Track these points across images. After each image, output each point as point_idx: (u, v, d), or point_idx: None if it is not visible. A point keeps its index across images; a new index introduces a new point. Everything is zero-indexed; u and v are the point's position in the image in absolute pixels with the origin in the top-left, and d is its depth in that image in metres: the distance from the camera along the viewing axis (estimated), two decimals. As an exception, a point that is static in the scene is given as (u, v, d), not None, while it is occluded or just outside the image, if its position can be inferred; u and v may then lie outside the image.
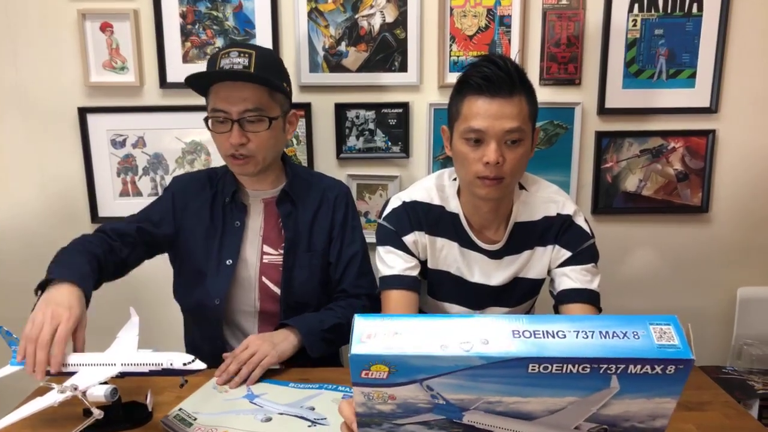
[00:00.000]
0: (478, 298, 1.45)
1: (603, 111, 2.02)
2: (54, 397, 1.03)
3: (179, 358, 1.05)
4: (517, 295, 1.46)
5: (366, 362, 0.64)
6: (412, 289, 1.40)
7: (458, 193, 1.43)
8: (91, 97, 2.02)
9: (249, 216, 1.53)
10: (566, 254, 1.38)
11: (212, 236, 1.51)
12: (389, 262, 1.42)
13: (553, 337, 0.61)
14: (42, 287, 1.20)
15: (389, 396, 0.66)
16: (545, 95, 2.00)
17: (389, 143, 2.04)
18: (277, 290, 1.52)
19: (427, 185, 1.45)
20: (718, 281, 2.13)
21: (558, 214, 1.39)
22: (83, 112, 2.01)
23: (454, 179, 1.44)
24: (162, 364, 1.06)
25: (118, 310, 1.35)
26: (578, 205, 1.44)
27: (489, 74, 1.23)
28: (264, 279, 1.52)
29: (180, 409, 1.20)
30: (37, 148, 2.05)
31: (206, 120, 1.45)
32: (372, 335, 0.63)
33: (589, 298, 1.34)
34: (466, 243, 1.42)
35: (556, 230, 1.39)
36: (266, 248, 1.53)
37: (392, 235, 1.42)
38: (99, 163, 2.05)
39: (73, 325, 1.09)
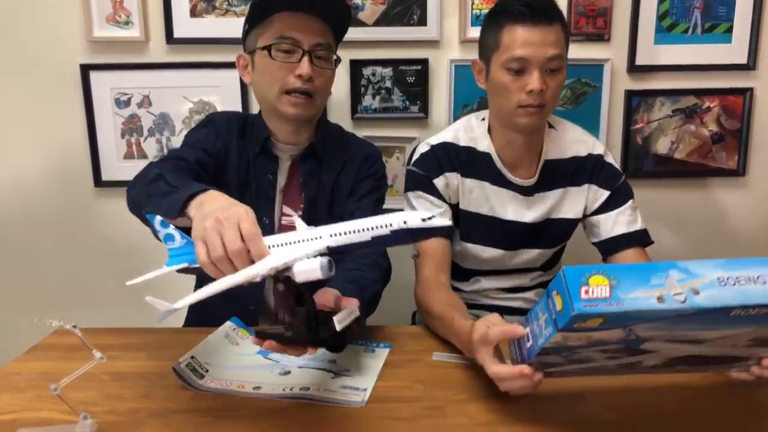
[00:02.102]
0: (511, 238, 1.41)
1: (633, 68, 1.91)
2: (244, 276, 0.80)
3: (414, 215, 0.78)
4: (551, 236, 1.44)
5: (585, 318, 0.68)
6: (447, 236, 1.35)
7: (489, 132, 1.40)
8: (93, 54, 1.92)
9: (280, 170, 1.42)
10: (604, 194, 1.39)
11: (246, 189, 1.38)
12: (419, 208, 1.37)
13: (754, 283, 0.67)
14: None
15: (587, 336, 0.72)
16: (572, 52, 1.86)
17: (407, 102, 1.94)
18: None
19: (455, 128, 1.43)
20: (755, 249, 2.02)
21: (589, 154, 1.41)
22: (86, 69, 1.91)
23: (482, 119, 1.41)
24: (391, 225, 0.78)
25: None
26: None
27: (530, 1, 1.22)
28: None
29: (192, 358, 1.09)
30: (37, 107, 1.95)
31: (266, 48, 1.29)
32: (588, 290, 0.67)
33: (639, 239, 1.37)
34: (499, 181, 1.39)
35: (590, 170, 1.40)
36: (285, 209, 1.42)
37: (422, 180, 1.38)
38: (102, 124, 1.95)
39: (255, 217, 0.84)
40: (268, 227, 1.36)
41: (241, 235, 0.81)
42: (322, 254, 0.81)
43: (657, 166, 1.99)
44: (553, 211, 1.42)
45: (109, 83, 1.92)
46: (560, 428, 0.88)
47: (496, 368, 0.88)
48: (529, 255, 1.45)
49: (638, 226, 1.39)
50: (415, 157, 1.41)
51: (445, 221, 0.77)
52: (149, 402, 1.00)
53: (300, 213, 1.39)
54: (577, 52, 1.89)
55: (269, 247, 0.83)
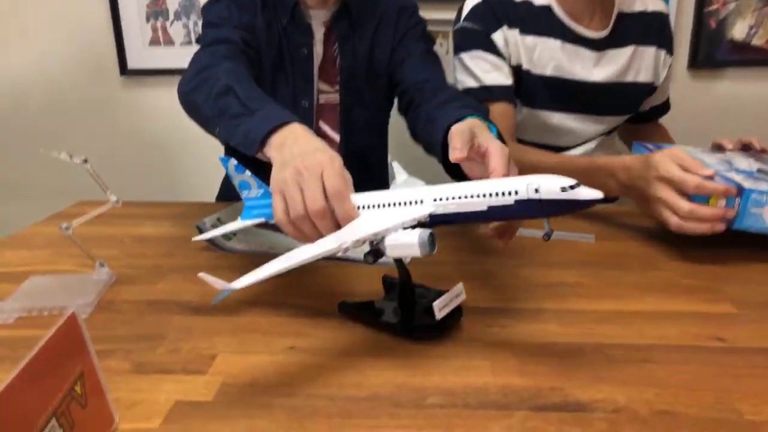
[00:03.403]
0: (579, 101, 1.25)
1: (712, -61, 1.69)
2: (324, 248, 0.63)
3: (549, 181, 0.58)
4: (623, 100, 1.29)
5: None
6: (511, 99, 1.20)
7: None
8: (115, -72, 1.78)
9: (315, 42, 1.26)
10: (669, 59, 1.31)
11: (280, 69, 1.21)
12: (477, 70, 1.20)
13: None
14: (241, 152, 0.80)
15: None
16: None
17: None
18: (336, 136, 1.28)
19: None
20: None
21: (655, 12, 1.29)
22: (107, -54, 1.78)
23: None
24: (516, 193, 0.59)
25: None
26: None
27: None
28: (321, 123, 1.28)
29: (218, 219, 1.00)
30: (59, -12, 1.84)
31: None
32: None
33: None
34: (564, 35, 1.22)
35: (657, 29, 1.28)
36: (322, 85, 1.27)
37: (478, 35, 1.20)
38: (126, 7, 1.83)
39: (342, 166, 0.70)
40: (307, 111, 1.23)
41: (325, 192, 0.67)
42: (422, 224, 0.65)
43: (732, 54, 1.78)
44: (626, 72, 1.26)
45: (132, -39, 1.80)
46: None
47: (688, 205, 0.83)
48: (600, 120, 1.29)
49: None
50: (466, 11, 1.23)
51: (596, 193, 0.57)
52: (171, 260, 0.91)
53: (337, 87, 1.26)
54: None
55: (358, 208, 0.68)
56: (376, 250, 0.64)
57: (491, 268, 0.86)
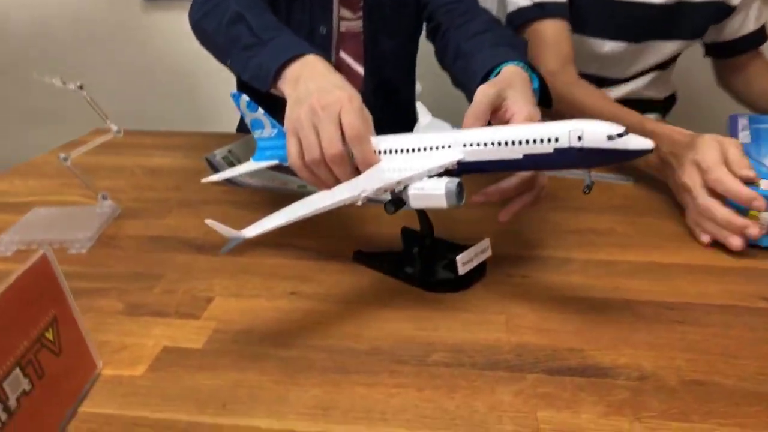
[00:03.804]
0: (636, 25, 1.12)
1: None
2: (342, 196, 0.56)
3: (594, 127, 0.51)
4: (687, 23, 1.14)
5: None
6: (566, 16, 1.07)
7: None
8: None
9: None
10: None
11: None
12: None
13: None
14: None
15: None
16: None
17: None
18: (359, 68, 1.19)
19: None
20: None
21: None
22: None
23: None
24: (556, 140, 0.52)
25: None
26: None
27: None
28: (342, 54, 1.19)
29: (230, 152, 0.95)
30: None
31: None
32: None
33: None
34: None
35: None
36: (343, 10, 1.17)
37: None
38: None
39: (361, 105, 0.63)
40: (325, 39, 1.14)
41: (343, 134, 0.61)
42: (450, 172, 0.58)
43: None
44: None
45: None
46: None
47: (708, 201, 0.70)
48: (661, 49, 1.16)
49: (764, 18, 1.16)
50: None
51: (647, 143, 0.49)
52: (180, 193, 0.87)
53: (359, 14, 1.16)
54: None
55: (378, 153, 0.62)
56: (397, 199, 0.58)
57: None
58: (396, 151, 0.62)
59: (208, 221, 0.52)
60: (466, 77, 0.76)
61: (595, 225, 0.76)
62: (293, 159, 0.63)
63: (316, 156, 0.61)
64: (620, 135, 0.49)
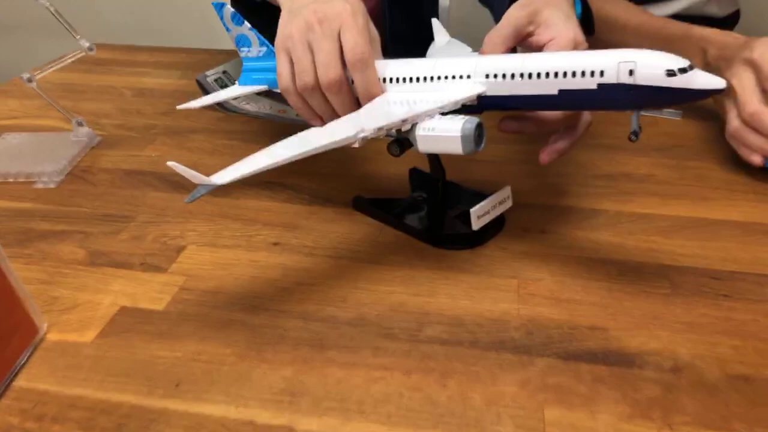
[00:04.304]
0: None
1: None
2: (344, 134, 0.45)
3: (648, 58, 0.41)
4: None
5: None
6: None
7: None
8: None
9: None
10: None
11: None
12: None
13: None
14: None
15: None
16: None
17: None
18: None
19: None
20: None
21: None
22: None
23: None
24: (601, 74, 0.42)
25: None
26: None
27: None
28: None
29: (224, 72, 0.85)
30: None
31: None
32: None
33: None
34: None
35: None
36: None
37: None
38: None
39: (367, 21, 0.53)
40: None
41: (343, 56, 0.51)
42: (468, 108, 0.48)
43: None
44: None
45: None
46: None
47: (757, 106, 0.61)
48: None
49: None
50: None
51: (717, 81, 0.39)
52: (168, 119, 0.79)
53: None
54: None
55: (384, 81, 0.52)
56: (404, 139, 0.49)
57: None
58: (404, 80, 0.52)
59: (171, 164, 0.43)
60: None
61: (630, 168, 0.65)
62: (283, 82, 0.54)
63: (309, 81, 0.52)
64: (683, 70, 0.39)
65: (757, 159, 0.62)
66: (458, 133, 0.45)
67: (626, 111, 0.44)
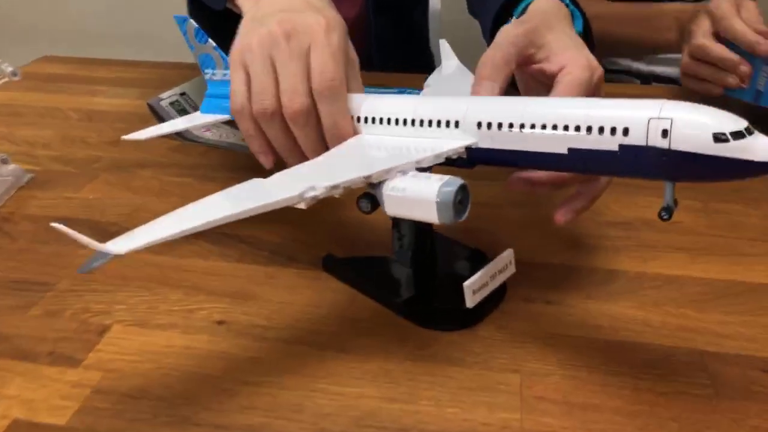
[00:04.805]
0: None
1: None
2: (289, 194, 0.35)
3: (690, 116, 0.30)
4: None
5: None
6: None
7: None
8: None
9: None
10: None
11: None
12: None
13: None
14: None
15: None
16: None
17: None
18: None
19: None
20: None
21: None
22: None
23: None
24: (626, 132, 0.32)
25: None
26: None
27: None
28: None
29: (182, 95, 0.75)
30: None
31: None
32: None
33: None
34: None
35: None
36: None
37: None
38: None
39: (343, 39, 0.44)
40: None
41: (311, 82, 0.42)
42: (454, 162, 0.40)
43: None
44: None
45: None
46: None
47: (701, 40, 0.70)
48: None
49: None
50: None
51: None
52: (115, 150, 0.69)
53: None
54: None
55: (357, 121, 0.44)
56: (373, 195, 0.39)
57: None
58: (382, 121, 0.43)
59: (56, 225, 0.33)
60: (480, 4, 0.55)
61: (651, 214, 0.55)
62: (236, 103, 0.45)
63: (268, 105, 0.43)
64: (738, 135, 0.29)
65: (717, 89, 0.69)
66: (434, 198, 0.35)
67: (657, 180, 0.34)
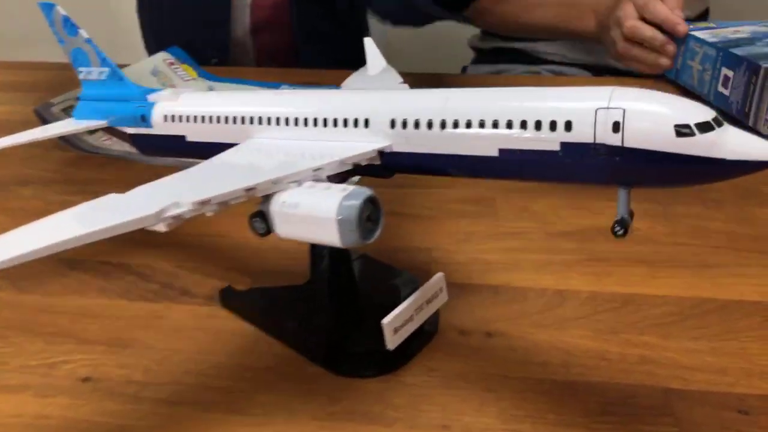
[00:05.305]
0: None
1: None
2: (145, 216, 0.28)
3: (645, 107, 0.25)
4: None
5: None
6: None
7: None
8: None
9: None
10: None
11: None
12: None
13: None
14: None
15: None
16: None
17: None
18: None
19: None
20: None
21: None
22: None
23: None
24: (569, 127, 0.27)
25: None
26: None
27: None
28: None
29: (78, 99, 0.66)
30: None
31: None
32: None
33: None
34: None
35: None
36: None
37: None
38: None
39: None
40: None
41: None
42: (365, 169, 0.33)
43: None
44: None
45: None
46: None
47: (633, 21, 0.73)
48: None
49: None
50: None
51: (759, 148, 0.23)
52: (-3, 166, 0.59)
53: None
54: None
55: (251, 121, 0.37)
56: (263, 212, 0.31)
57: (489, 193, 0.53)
58: (279, 120, 0.36)
59: None
60: None
61: (605, 220, 0.49)
62: None
63: None
64: (705, 126, 0.23)
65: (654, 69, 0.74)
66: (333, 215, 0.27)
67: (609, 186, 0.27)
